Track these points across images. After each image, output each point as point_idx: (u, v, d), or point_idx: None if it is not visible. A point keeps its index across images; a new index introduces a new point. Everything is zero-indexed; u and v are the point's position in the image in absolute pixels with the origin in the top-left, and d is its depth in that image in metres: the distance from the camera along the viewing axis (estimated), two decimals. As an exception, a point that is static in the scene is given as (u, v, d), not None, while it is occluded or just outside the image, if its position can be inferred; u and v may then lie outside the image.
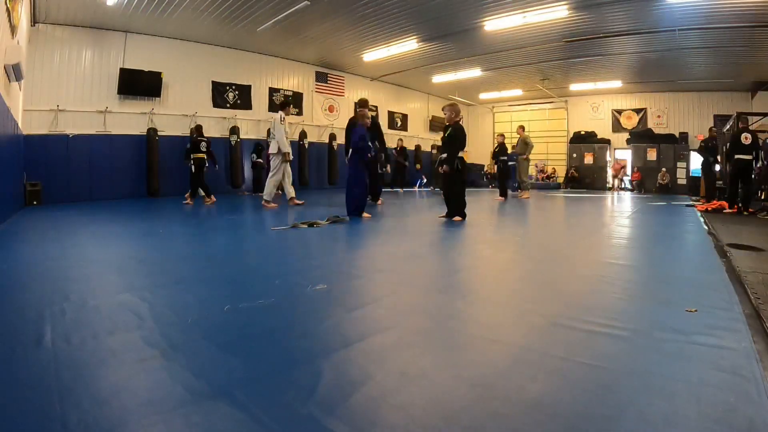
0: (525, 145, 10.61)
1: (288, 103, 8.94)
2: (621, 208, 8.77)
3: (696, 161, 13.55)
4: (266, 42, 10.95)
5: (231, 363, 1.54)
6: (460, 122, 5.97)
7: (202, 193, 8.46)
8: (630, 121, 16.54)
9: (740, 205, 7.25)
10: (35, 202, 7.97)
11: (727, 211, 7.62)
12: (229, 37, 10.48)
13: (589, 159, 16.76)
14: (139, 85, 9.68)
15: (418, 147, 16.98)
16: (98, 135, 9.27)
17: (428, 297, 2.47)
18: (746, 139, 7.10)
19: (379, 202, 8.33)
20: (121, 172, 9.57)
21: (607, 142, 16.76)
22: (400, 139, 14.33)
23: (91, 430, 1.11)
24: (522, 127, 11.11)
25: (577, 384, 1.40)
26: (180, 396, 1.29)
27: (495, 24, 9.36)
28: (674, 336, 1.78)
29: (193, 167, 8.28)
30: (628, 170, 16.30)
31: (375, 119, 8.63)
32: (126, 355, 1.58)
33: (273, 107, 12.46)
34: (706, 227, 5.58)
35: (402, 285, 2.71)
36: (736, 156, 7.26)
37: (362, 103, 6.97)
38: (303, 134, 12.68)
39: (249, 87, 11.86)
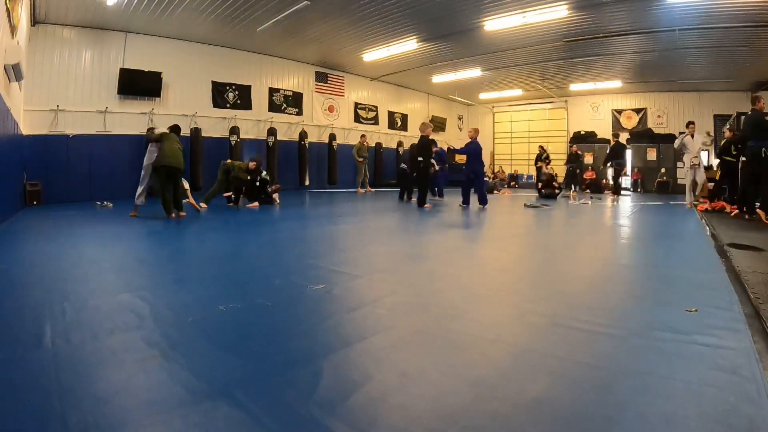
0: None
1: None
2: (622, 208, 8.76)
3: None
4: (266, 42, 10.93)
5: (231, 363, 1.54)
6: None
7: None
8: (630, 121, 16.52)
9: (746, 207, 6.40)
10: (35, 202, 7.96)
11: (727, 210, 7.60)
12: (228, 37, 10.47)
13: (589, 159, 16.73)
14: (139, 85, 9.66)
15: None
16: (98, 135, 9.25)
17: (428, 296, 2.47)
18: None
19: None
20: (121, 173, 9.55)
21: (607, 141, 16.72)
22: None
23: (91, 430, 1.11)
24: None
25: (577, 384, 1.40)
26: (180, 396, 1.29)
27: (495, 24, 9.34)
28: (674, 336, 1.78)
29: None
30: (628, 170, 16.25)
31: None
32: (126, 355, 1.59)
33: (273, 107, 12.47)
34: (706, 227, 5.58)
35: (402, 285, 2.71)
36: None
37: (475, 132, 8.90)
38: (303, 134, 12.68)
39: (249, 87, 11.84)
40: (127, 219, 5.90)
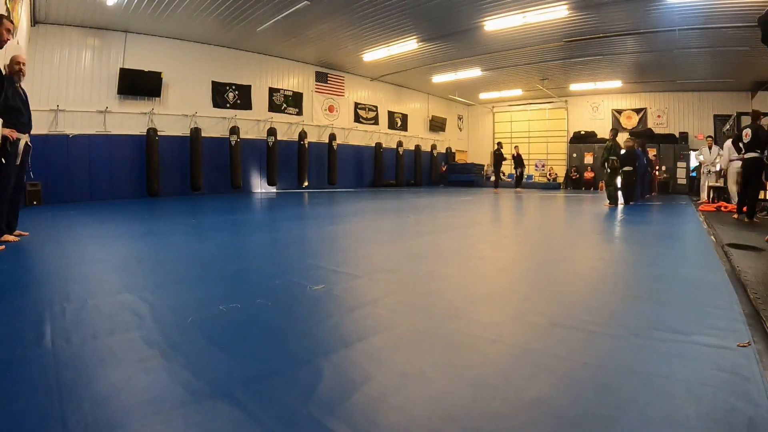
0: None
1: None
2: (622, 208, 8.76)
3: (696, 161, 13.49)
4: (266, 42, 10.94)
5: (231, 363, 1.54)
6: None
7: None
8: (630, 121, 16.52)
9: (745, 210, 6.29)
10: (35, 202, 7.96)
11: (725, 210, 7.61)
12: (229, 37, 10.47)
13: (588, 159, 16.74)
14: (139, 85, 9.66)
15: (418, 147, 16.96)
16: (98, 135, 9.26)
17: (428, 296, 2.47)
18: (747, 135, 6.20)
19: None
20: (121, 172, 9.56)
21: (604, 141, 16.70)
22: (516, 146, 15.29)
23: (91, 430, 1.11)
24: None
25: (577, 384, 1.40)
26: (180, 396, 1.29)
27: (495, 24, 9.34)
28: (674, 336, 1.78)
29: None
30: None
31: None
32: (126, 355, 1.58)
33: (273, 107, 12.47)
34: (706, 227, 5.58)
35: (402, 285, 2.71)
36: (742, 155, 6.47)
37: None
38: (303, 134, 12.68)
39: (249, 87, 11.84)
40: (126, 219, 5.89)
